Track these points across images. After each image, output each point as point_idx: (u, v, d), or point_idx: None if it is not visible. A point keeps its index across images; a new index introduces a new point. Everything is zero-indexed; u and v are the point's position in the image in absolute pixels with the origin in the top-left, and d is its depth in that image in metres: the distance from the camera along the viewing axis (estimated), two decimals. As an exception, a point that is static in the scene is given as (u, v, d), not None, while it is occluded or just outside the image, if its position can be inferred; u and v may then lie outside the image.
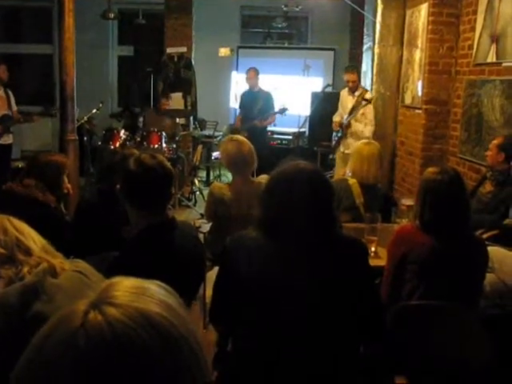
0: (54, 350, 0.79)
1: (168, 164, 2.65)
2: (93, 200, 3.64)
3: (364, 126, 6.75)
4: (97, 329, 0.79)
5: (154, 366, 0.79)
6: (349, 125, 6.83)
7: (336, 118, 7.09)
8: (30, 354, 0.82)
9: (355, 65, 7.85)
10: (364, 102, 6.68)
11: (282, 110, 8.13)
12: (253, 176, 4.43)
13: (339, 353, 2.25)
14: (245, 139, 4.37)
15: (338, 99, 7.79)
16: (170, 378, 0.81)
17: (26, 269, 1.80)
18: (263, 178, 4.36)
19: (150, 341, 0.80)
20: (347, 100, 7.03)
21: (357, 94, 6.85)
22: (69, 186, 3.71)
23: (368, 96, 6.73)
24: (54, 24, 10.50)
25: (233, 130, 8.54)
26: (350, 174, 4.34)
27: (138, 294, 0.85)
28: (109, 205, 3.14)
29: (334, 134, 7.15)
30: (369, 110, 6.69)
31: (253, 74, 8.29)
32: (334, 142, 7.18)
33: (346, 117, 6.92)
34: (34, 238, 1.91)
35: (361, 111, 6.70)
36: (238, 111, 8.66)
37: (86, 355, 0.77)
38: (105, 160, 3.81)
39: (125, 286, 0.87)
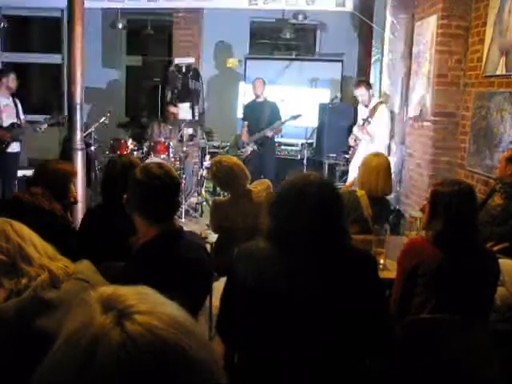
0: (104, 364, 0.78)
1: (175, 173, 2.64)
2: (99, 209, 3.62)
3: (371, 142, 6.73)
4: (139, 337, 0.79)
5: (191, 371, 0.81)
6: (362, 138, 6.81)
7: (355, 131, 7.05)
8: (47, 370, 0.82)
9: (363, 79, 7.83)
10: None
11: (295, 117, 8.10)
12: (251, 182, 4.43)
13: (348, 365, 2.22)
14: (234, 160, 4.36)
15: (345, 111, 7.77)
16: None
17: (24, 280, 1.78)
18: (261, 184, 4.36)
19: (187, 345, 0.81)
20: (362, 114, 7.03)
21: (370, 107, 6.82)
22: (75, 194, 3.70)
23: (381, 109, 6.69)
24: (63, 34, 10.55)
25: (239, 143, 8.53)
26: (359, 186, 4.31)
27: (154, 301, 0.87)
28: (115, 214, 3.13)
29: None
30: (382, 124, 6.64)
31: (261, 83, 8.29)
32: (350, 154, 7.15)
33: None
34: (34, 243, 1.88)
35: (373, 124, 6.67)
36: (243, 123, 8.62)
37: (137, 363, 0.78)
38: (107, 169, 3.80)
39: (133, 294, 0.87)
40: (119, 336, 0.79)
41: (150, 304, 0.84)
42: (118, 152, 7.71)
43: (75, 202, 3.73)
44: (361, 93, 6.90)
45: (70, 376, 0.80)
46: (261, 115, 8.18)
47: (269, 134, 8.11)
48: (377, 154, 4.48)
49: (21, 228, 1.91)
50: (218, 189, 9.16)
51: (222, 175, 4.24)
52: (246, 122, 8.48)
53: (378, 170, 4.20)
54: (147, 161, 6.46)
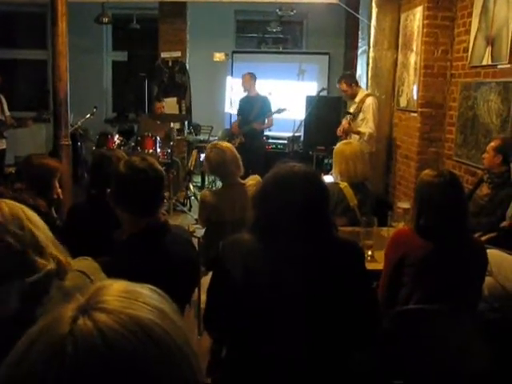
0: (39, 357, 0.74)
1: (159, 166, 2.60)
2: (83, 204, 3.58)
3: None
4: (86, 336, 0.74)
5: (146, 376, 0.75)
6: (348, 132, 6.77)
7: (343, 123, 7.00)
8: (12, 361, 0.77)
9: (344, 74, 7.67)
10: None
11: (280, 110, 8.07)
12: (243, 178, 4.40)
13: (335, 358, 2.21)
14: (228, 146, 4.33)
15: (332, 103, 7.72)
16: None
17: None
18: (253, 180, 4.34)
19: (142, 349, 0.76)
20: (349, 107, 6.99)
21: (357, 99, 6.77)
22: (59, 190, 3.66)
23: (369, 101, 6.63)
24: (47, 29, 10.47)
25: (229, 134, 8.49)
26: (338, 178, 4.30)
27: (130, 299, 0.81)
28: (99, 209, 3.09)
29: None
30: (369, 116, 6.60)
31: (248, 78, 8.25)
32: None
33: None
34: (44, 231, 1.85)
35: (361, 116, 6.64)
36: (237, 117, 8.58)
37: (73, 364, 0.72)
38: (92, 163, 3.77)
39: (116, 291, 0.82)
40: (64, 329, 0.75)
41: (123, 304, 0.79)
42: (105, 147, 7.65)
43: (59, 198, 3.69)
44: (343, 89, 6.85)
45: (12, 361, 0.77)
46: (251, 109, 8.14)
47: (256, 126, 8.08)
48: (346, 143, 4.62)
49: (32, 215, 1.85)
50: (207, 183, 9.15)
51: (213, 157, 4.21)
52: (239, 117, 8.44)
53: (353, 156, 4.26)
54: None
